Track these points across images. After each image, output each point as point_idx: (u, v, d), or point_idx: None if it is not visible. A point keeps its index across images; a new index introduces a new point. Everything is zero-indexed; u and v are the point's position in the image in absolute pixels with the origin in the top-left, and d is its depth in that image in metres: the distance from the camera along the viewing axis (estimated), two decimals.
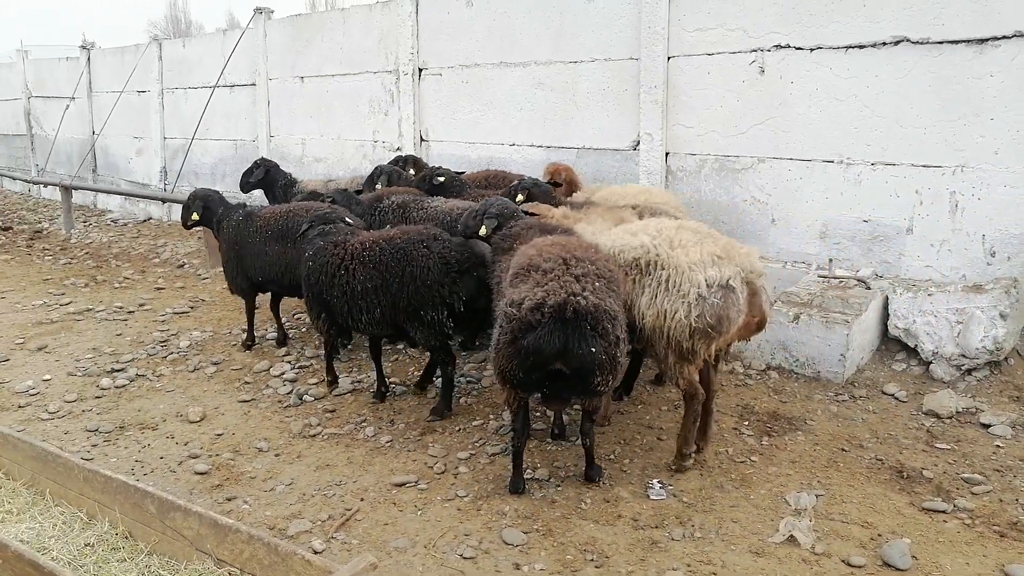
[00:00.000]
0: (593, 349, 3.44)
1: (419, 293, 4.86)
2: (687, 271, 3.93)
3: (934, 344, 5.24)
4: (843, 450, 4.41)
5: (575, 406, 4.37)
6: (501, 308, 3.64)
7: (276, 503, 4.18)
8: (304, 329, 7.11)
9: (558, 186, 6.37)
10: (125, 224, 13.16)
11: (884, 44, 5.71)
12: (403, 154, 8.73)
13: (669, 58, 6.92)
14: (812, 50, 6.08)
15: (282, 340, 6.61)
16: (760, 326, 4.23)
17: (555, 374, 3.53)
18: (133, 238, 12.02)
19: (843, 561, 3.36)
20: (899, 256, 5.81)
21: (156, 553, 3.03)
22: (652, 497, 3.98)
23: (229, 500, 4.23)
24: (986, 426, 4.56)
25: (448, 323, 4.91)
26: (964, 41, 5.35)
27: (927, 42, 5.50)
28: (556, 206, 5.56)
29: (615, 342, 3.56)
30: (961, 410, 4.73)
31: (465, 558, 3.57)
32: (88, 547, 3.07)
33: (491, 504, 4.03)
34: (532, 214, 5.19)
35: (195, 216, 6.59)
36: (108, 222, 13.42)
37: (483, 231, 4.90)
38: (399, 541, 3.73)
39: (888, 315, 5.59)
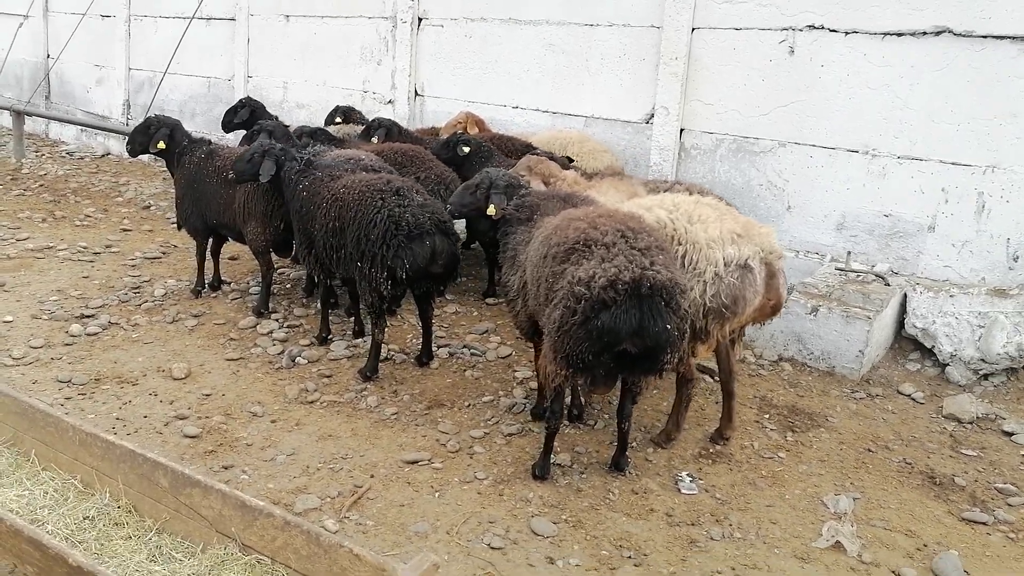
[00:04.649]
0: (668, 326, 3.23)
1: (360, 245, 4.66)
2: (704, 248, 3.74)
3: (953, 346, 5.17)
4: (869, 451, 4.30)
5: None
6: (564, 287, 3.36)
7: (278, 475, 3.87)
8: (289, 285, 6.70)
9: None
10: (82, 158, 12.33)
11: (924, 34, 5.53)
12: (340, 105, 8.38)
13: (693, 29, 6.63)
14: (847, 34, 5.87)
15: (216, 285, 6.42)
16: (775, 310, 4.08)
17: (621, 354, 3.30)
18: (92, 173, 11.25)
19: (893, 572, 3.24)
20: (917, 254, 5.71)
21: (167, 532, 2.70)
22: (683, 491, 3.80)
23: (225, 469, 3.90)
24: (1009, 434, 4.50)
25: (386, 284, 4.63)
26: (1010, 37, 5.20)
27: (971, 35, 5.34)
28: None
29: (684, 317, 3.36)
30: (981, 415, 4.66)
31: (493, 548, 3.33)
32: (87, 520, 2.72)
33: (513, 489, 3.79)
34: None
35: (161, 144, 6.18)
36: (63, 154, 12.55)
37: (492, 211, 4.46)
38: (419, 525, 3.47)
39: (905, 313, 5.50)
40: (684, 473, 3.93)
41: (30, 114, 12.44)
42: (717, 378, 5.07)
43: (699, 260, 3.65)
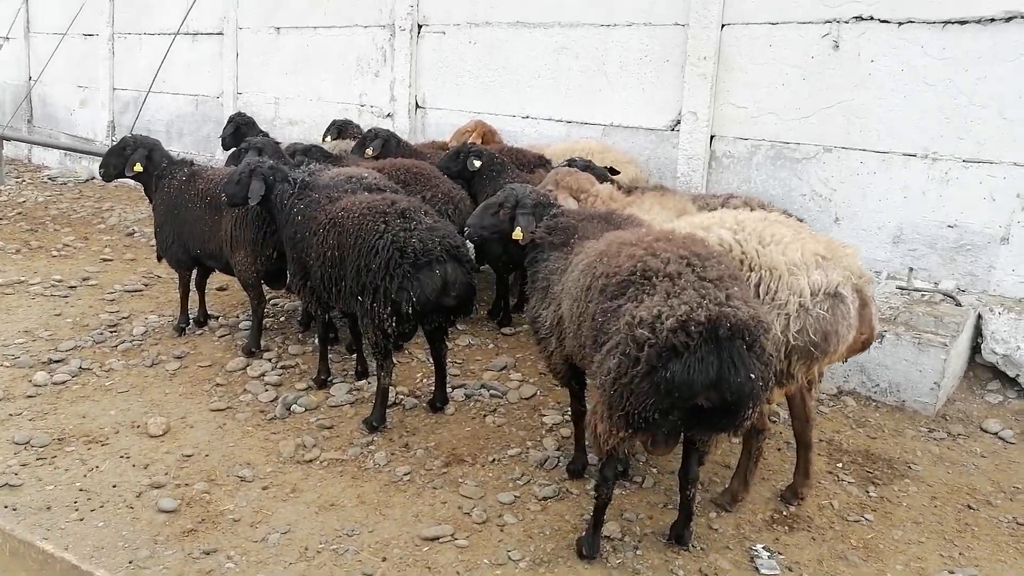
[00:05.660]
0: (752, 375, 2.59)
1: (360, 276, 4.03)
2: (785, 275, 3.10)
3: None
4: (970, 507, 3.65)
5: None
6: (621, 329, 2.72)
7: (270, 561, 3.21)
8: (283, 318, 6.05)
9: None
10: (65, 183, 11.70)
11: (992, 21, 4.92)
12: (337, 120, 7.75)
13: (723, 26, 6.03)
14: (900, 24, 5.26)
15: (202, 321, 5.78)
16: (866, 344, 3.45)
17: (692, 409, 2.66)
18: (74, 199, 10.62)
19: None
20: (989, 269, 5.07)
21: None
22: (762, 571, 3.13)
23: (207, 554, 3.24)
24: None
25: (390, 321, 3.99)
26: None
27: None
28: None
29: (769, 363, 2.73)
30: None
31: None
32: None
33: (556, 573, 3.13)
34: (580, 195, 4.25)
35: (137, 167, 5.61)
36: (45, 180, 11.92)
37: (519, 234, 3.80)
38: None
39: (980, 337, 4.86)
40: (760, 546, 3.27)
41: (9, 139, 11.85)
42: (774, 419, 4.44)
43: (779, 289, 3.01)
